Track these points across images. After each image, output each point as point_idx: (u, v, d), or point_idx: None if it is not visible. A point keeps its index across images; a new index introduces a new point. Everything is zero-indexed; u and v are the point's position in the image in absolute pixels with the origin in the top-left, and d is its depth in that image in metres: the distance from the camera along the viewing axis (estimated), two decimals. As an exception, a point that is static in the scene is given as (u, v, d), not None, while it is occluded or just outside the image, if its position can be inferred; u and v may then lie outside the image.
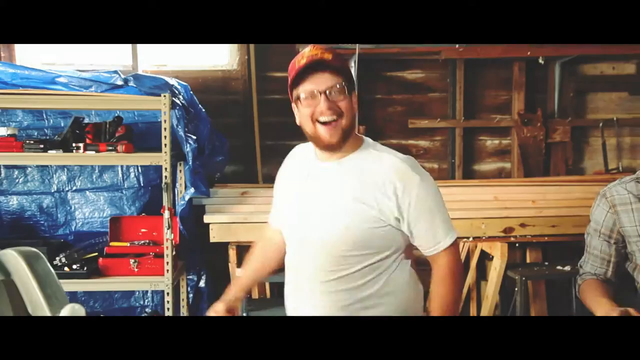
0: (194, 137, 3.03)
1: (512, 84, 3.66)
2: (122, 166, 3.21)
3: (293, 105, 1.62)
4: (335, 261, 1.57)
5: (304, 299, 1.64)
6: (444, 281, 1.60)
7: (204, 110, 3.19)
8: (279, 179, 1.80)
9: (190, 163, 3.01)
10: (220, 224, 2.97)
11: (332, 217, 1.56)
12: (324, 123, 1.54)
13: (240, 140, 3.50)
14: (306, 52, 1.57)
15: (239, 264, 3.13)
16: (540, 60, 3.55)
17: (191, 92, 3.18)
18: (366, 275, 1.57)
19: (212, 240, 3.00)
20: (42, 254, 1.16)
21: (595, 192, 3.36)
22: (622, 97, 3.71)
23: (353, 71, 3.49)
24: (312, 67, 1.53)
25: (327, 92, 1.53)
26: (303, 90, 1.55)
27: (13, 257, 1.13)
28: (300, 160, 1.72)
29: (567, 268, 3.16)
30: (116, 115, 3.03)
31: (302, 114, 1.58)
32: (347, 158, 1.60)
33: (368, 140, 1.66)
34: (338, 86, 1.53)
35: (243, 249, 3.18)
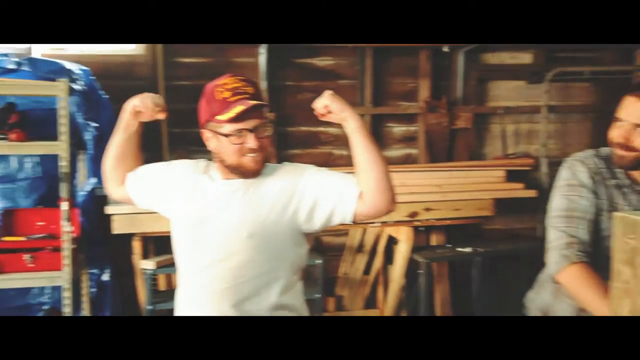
0: (95, 125, 2.91)
1: (418, 72, 3.75)
2: (17, 156, 3.02)
3: (207, 132, 1.61)
4: None
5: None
6: None
7: (105, 95, 3.06)
8: (175, 172, 1.77)
9: (92, 151, 2.90)
10: (123, 215, 2.87)
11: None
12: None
13: (146, 127, 3.33)
14: (228, 84, 1.56)
15: (145, 255, 3.05)
16: (445, 49, 3.66)
17: (91, 77, 3.04)
18: None
19: (114, 231, 2.90)
20: None
21: (495, 177, 3.59)
22: (520, 86, 3.90)
23: (263, 58, 3.47)
24: (243, 113, 1.52)
25: (255, 129, 1.56)
26: (231, 128, 1.55)
27: None
28: (194, 175, 1.71)
29: (468, 249, 3.32)
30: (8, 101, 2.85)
31: (226, 148, 1.57)
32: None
33: None
34: (264, 123, 1.58)
35: (148, 241, 3.10)
